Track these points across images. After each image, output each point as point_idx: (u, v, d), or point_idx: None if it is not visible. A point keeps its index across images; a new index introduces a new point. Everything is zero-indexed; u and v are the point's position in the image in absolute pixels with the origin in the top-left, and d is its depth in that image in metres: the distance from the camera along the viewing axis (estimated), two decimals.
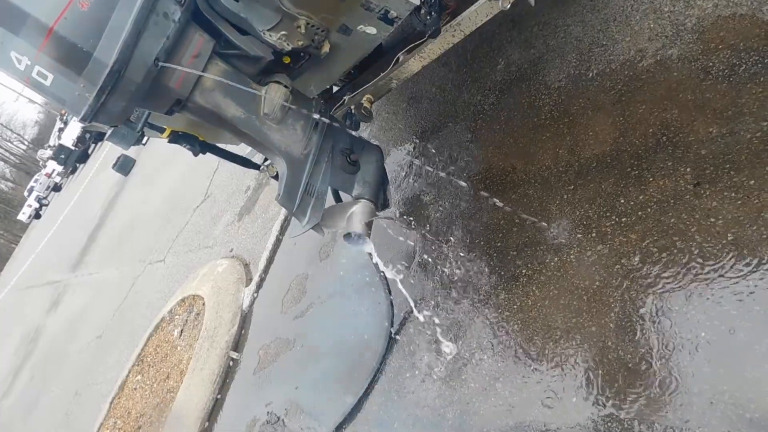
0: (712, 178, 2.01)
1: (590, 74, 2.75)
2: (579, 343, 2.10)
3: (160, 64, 1.93)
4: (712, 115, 2.14)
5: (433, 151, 3.49)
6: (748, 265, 1.79)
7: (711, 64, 2.25)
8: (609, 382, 1.95)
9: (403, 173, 3.64)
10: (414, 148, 3.70)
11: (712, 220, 1.93)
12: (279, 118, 2.37)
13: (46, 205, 33.90)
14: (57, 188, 34.25)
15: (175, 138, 3.03)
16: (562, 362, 2.12)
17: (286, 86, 2.39)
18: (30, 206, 33.78)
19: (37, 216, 33.77)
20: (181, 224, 7.60)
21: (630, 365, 1.92)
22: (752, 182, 1.90)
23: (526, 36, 3.29)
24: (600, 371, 1.99)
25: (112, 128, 2.50)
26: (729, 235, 1.87)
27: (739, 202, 1.90)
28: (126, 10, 1.83)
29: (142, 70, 1.90)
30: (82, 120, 1.93)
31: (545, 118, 2.84)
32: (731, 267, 1.83)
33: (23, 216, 34.37)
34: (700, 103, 2.20)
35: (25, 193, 35.27)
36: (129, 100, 1.92)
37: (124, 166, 13.89)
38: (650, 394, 1.82)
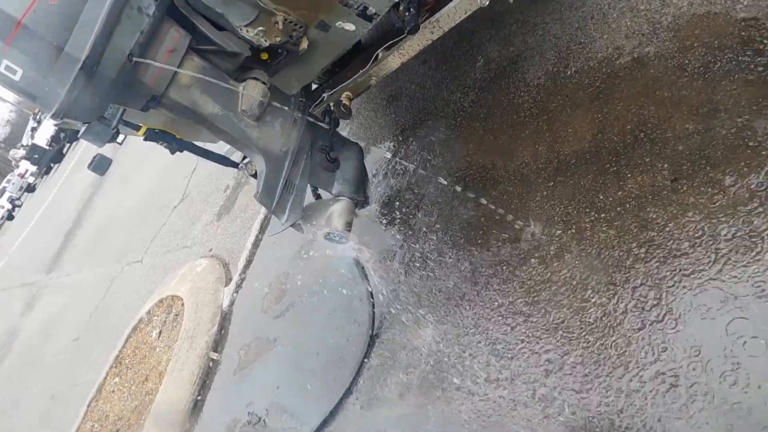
0: (689, 174, 2.03)
1: (569, 72, 2.76)
2: (560, 339, 2.11)
3: (134, 59, 1.89)
4: (689, 112, 2.16)
5: (414, 148, 3.48)
6: (723, 258, 1.81)
7: (687, 61, 2.28)
8: (589, 375, 1.96)
9: (384, 171, 3.62)
10: (394, 146, 3.69)
11: (690, 214, 1.96)
12: (257, 114, 2.34)
13: (20, 206, 33.10)
14: (31, 189, 33.49)
15: (152, 135, 2.96)
16: (542, 357, 2.13)
17: (264, 83, 2.36)
18: (2, 207, 32.96)
19: (10, 217, 32.94)
20: (158, 224, 7.48)
21: (609, 359, 1.93)
22: (727, 177, 1.92)
23: (505, 34, 3.30)
24: (581, 365, 2.00)
25: (86, 125, 2.43)
26: (706, 229, 1.89)
27: (716, 197, 1.92)
28: (98, 3, 1.79)
29: (115, 66, 1.86)
30: (54, 116, 1.88)
31: (524, 116, 2.85)
32: (708, 261, 1.85)
33: None
34: (677, 100, 2.23)
35: None
36: (102, 96, 1.88)
37: (100, 165, 13.54)
38: (630, 385, 1.83)
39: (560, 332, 2.13)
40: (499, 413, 2.16)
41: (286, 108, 2.48)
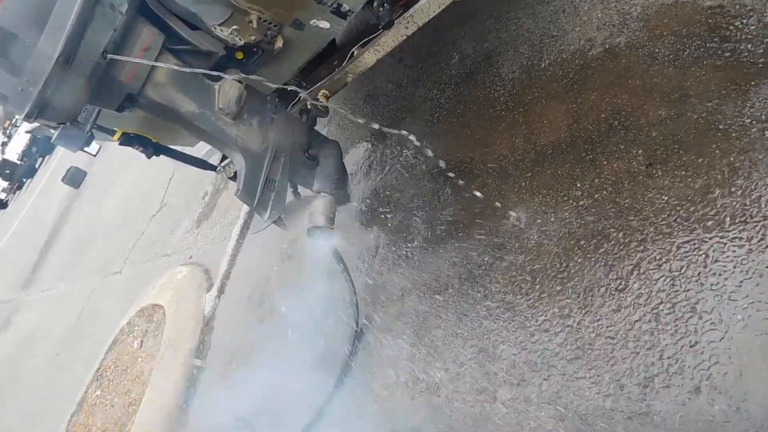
0: (663, 159, 2.07)
1: (542, 64, 2.80)
2: (540, 325, 2.13)
3: (109, 56, 1.87)
4: (660, 99, 2.21)
5: (392, 146, 3.49)
6: (698, 239, 1.85)
7: (657, 50, 2.33)
8: (569, 358, 1.98)
9: (363, 169, 3.62)
10: (372, 145, 3.70)
11: (665, 198, 2.00)
12: (234, 113, 2.32)
13: None
14: (2, 205, 32.78)
15: (127, 140, 2.93)
16: (523, 348, 2.15)
17: (239, 81, 2.35)
18: None
19: None
20: (137, 234, 7.38)
21: (590, 344, 1.96)
22: (700, 160, 1.97)
23: (479, 30, 3.33)
24: (563, 351, 2.03)
25: (60, 129, 2.40)
26: (681, 211, 1.93)
27: (689, 179, 1.97)
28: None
29: (89, 63, 1.84)
30: (27, 117, 1.84)
31: (500, 109, 2.88)
32: (684, 243, 1.88)
33: None
34: (649, 88, 2.27)
35: None
36: (77, 94, 1.85)
37: (75, 178, 13.33)
38: (612, 371, 1.86)
39: (540, 317, 2.15)
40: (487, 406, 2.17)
41: (263, 106, 2.47)
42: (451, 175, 2.73)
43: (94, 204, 11.23)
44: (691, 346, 1.72)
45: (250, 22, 2.35)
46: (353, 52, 2.75)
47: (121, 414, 4.34)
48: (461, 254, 2.63)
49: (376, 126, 2.50)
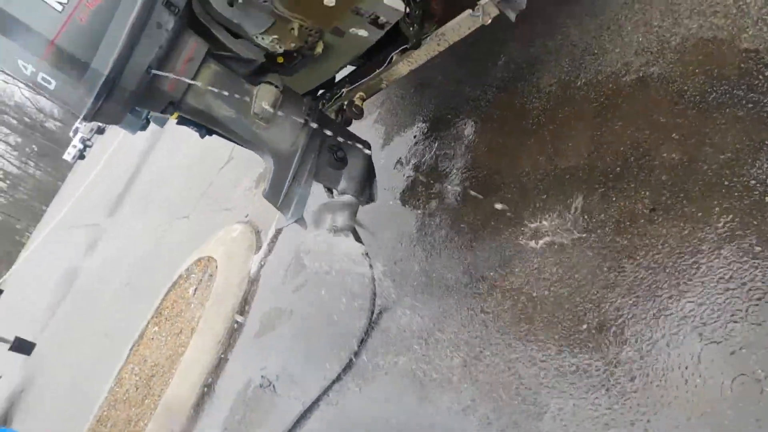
0: (666, 206, 2.10)
1: (579, 82, 2.80)
2: (529, 351, 2.27)
3: (153, 72, 2.10)
4: (678, 141, 2.20)
5: (430, 142, 3.60)
6: (683, 293, 1.90)
7: (686, 87, 2.29)
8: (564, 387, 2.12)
9: (400, 161, 3.76)
10: (414, 137, 3.81)
11: (660, 247, 2.04)
12: (269, 117, 2.52)
13: (90, 147, 34.92)
14: (101, 131, 35.15)
15: (183, 120, 3.21)
16: (519, 360, 2.30)
17: (276, 86, 2.53)
18: (75, 147, 34.84)
19: (81, 157, 34.87)
20: (206, 183, 7.90)
21: (578, 371, 2.08)
22: (700, 214, 1.98)
23: (528, 33, 3.31)
24: (548, 376, 2.16)
25: None
26: (670, 263, 1.98)
27: (686, 232, 1.99)
28: (121, 23, 2.00)
29: (135, 78, 2.07)
30: (84, 120, 2.13)
31: (533, 123, 2.91)
32: (671, 295, 1.94)
33: (68, 156, 35.51)
34: (670, 127, 2.26)
35: (71, 134, 36.35)
36: (124, 104, 2.11)
37: (159, 119, 14.21)
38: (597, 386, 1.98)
39: (532, 345, 2.28)
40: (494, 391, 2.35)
41: (298, 108, 2.65)
42: (475, 182, 2.83)
43: (174, 145, 11.94)
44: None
45: (292, 29, 2.51)
46: (392, 58, 2.85)
47: (172, 352, 4.87)
48: (473, 261, 2.76)
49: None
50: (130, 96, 2.09)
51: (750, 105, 2.04)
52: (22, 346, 10.53)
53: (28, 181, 52.64)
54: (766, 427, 1.55)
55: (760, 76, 2.06)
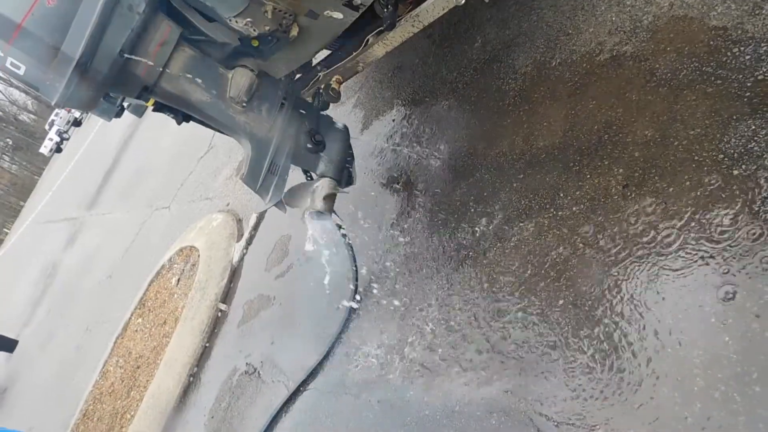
0: (639, 182, 2.13)
1: (553, 63, 2.82)
2: (505, 327, 2.30)
3: (125, 55, 2.08)
4: (650, 118, 2.23)
5: (409, 125, 3.61)
6: (656, 266, 1.95)
7: (657, 65, 2.32)
8: (534, 362, 2.16)
9: (379, 144, 3.77)
10: (392, 120, 3.82)
11: (632, 221, 2.08)
12: (245, 101, 2.51)
13: (67, 139, 34.31)
14: (77, 123, 34.57)
15: (159, 107, 3.18)
16: (496, 343, 2.33)
17: (252, 70, 2.52)
18: (51, 140, 34.22)
19: (59, 150, 34.26)
20: (186, 173, 7.83)
21: (555, 348, 2.12)
22: (671, 189, 2.03)
23: (503, 15, 3.33)
24: (527, 354, 2.20)
25: None
26: (644, 237, 2.02)
27: (658, 207, 2.03)
28: (91, 5, 1.97)
29: (107, 62, 2.05)
30: (55, 105, 2.10)
31: (509, 104, 2.94)
32: (645, 268, 1.98)
33: (44, 150, 34.87)
34: (642, 105, 2.30)
35: (46, 127, 35.69)
36: (96, 89, 2.08)
37: (137, 108, 14.00)
38: (575, 365, 2.03)
39: (503, 318, 2.31)
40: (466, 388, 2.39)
41: (274, 92, 2.64)
42: (453, 165, 2.85)
43: (154, 134, 11.79)
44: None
45: (266, 12, 2.49)
46: (368, 40, 2.85)
47: (157, 343, 4.85)
48: (449, 243, 2.79)
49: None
50: (102, 81, 2.07)
51: (719, 81, 2.08)
52: (5, 344, 10.38)
53: (3, 175, 51.63)
54: None
55: (728, 53, 2.10)
